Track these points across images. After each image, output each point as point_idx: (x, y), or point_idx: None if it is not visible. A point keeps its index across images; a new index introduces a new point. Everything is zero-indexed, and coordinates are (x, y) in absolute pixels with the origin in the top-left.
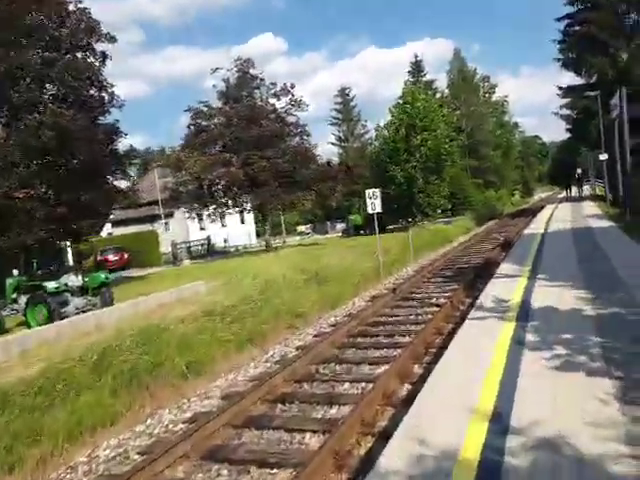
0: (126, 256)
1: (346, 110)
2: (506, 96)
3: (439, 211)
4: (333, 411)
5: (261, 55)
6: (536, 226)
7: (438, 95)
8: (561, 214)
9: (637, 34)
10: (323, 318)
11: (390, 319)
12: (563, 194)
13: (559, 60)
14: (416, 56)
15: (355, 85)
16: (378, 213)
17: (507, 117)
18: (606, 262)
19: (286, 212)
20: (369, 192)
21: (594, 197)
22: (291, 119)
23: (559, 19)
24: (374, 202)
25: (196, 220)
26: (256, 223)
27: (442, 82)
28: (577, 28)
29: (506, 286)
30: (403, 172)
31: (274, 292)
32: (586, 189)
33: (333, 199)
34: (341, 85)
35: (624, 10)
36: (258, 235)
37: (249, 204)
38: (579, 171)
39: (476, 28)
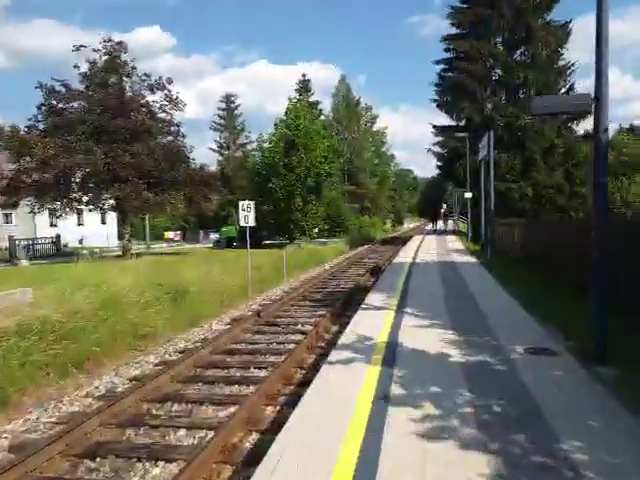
0: None
1: (230, 117)
2: (385, 128)
3: (316, 231)
4: (156, 471)
5: (145, 47)
6: (405, 255)
7: (322, 117)
8: (428, 246)
9: (499, 88)
10: (172, 342)
11: (248, 347)
12: (430, 226)
13: (435, 101)
14: (304, 75)
15: (243, 95)
16: (253, 227)
17: (385, 148)
18: (471, 300)
19: (153, 216)
20: (242, 204)
21: (457, 232)
22: (164, 116)
23: (437, 62)
24: (247, 215)
25: (46, 215)
26: (119, 224)
27: (327, 106)
28: (451, 74)
29: (373, 320)
30: (283, 188)
31: (119, 307)
32: (450, 223)
33: (205, 206)
34: (226, 92)
35: (491, 65)
36: (121, 238)
37: (107, 202)
38: (444, 206)
39: (364, 61)
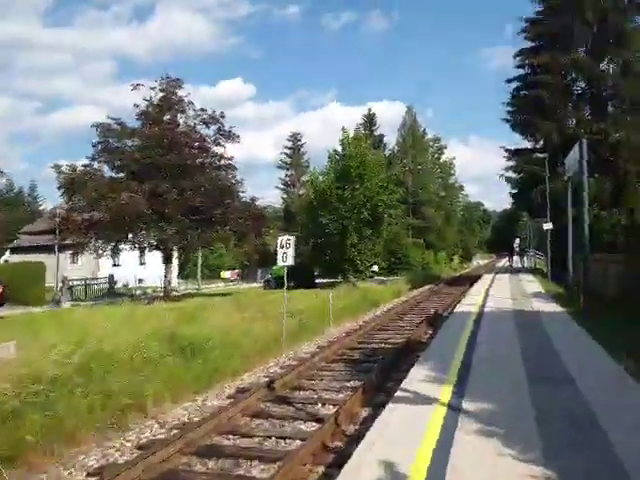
0: None
1: (295, 155)
2: (453, 158)
3: (375, 268)
4: None
5: (229, 98)
6: (471, 301)
7: (388, 152)
8: (500, 288)
9: (582, 102)
10: (158, 419)
11: (236, 442)
12: (501, 263)
13: (507, 121)
14: (369, 109)
15: (315, 137)
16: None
17: (453, 179)
18: (571, 387)
19: (213, 254)
20: (281, 239)
21: (532, 270)
22: (218, 150)
23: (509, 80)
24: (286, 252)
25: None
26: (165, 264)
27: (393, 141)
28: (526, 92)
29: (411, 424)
30: (335, 222)
31: (104, 368)
32: (525, 260)
33: (259, 243)
34: (292, 131)
35: (573, 77)
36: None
37: (151, 241)
38: (517, 240)
39: (431, 96)
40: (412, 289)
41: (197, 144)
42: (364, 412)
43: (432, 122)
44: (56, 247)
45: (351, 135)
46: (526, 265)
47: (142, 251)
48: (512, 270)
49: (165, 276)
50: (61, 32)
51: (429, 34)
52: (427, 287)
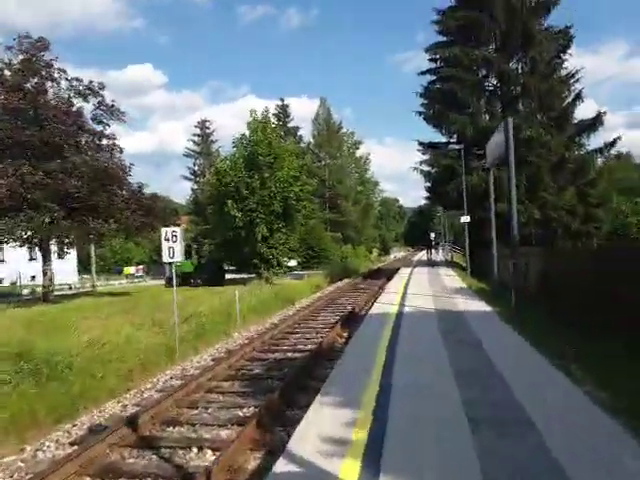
0: None
1: (204, 143)
2: (369, 154)
3: (293, 263)
4: None
5: (140, 85)
6: (389, 298)
7: (303, 145)
8: (419, 282)
9: (494, 98)
10: None
11: None
12: (417, 256)
13: (420, 114)
14: (282, 99)
15: (230, 128)
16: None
17: (369, 174)
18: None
19: (111, 245)
20: (165, 232)
21: (450, 264)
22: (96, 127)
23: (422, 73)
24: (172, 247)
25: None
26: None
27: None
28: (438, 86)
29: None
30: (242, 214)
31: None
32: (441, 253)
33: (147, 237)
34: (201, 118)
35: (485, 74)
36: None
37: (21, 233)
38: (432, 235)
39: (350, 96)
40: (330, 283)
41: (70, 119)
42: (252, 462)
43: (351, 121)
44: None
45: (258, 119)
46: (441, 258)
47: (22, 246)
48: (431, 263)
49: (44, 274)
50: None
51: (348, 32)
52: (345, 281)
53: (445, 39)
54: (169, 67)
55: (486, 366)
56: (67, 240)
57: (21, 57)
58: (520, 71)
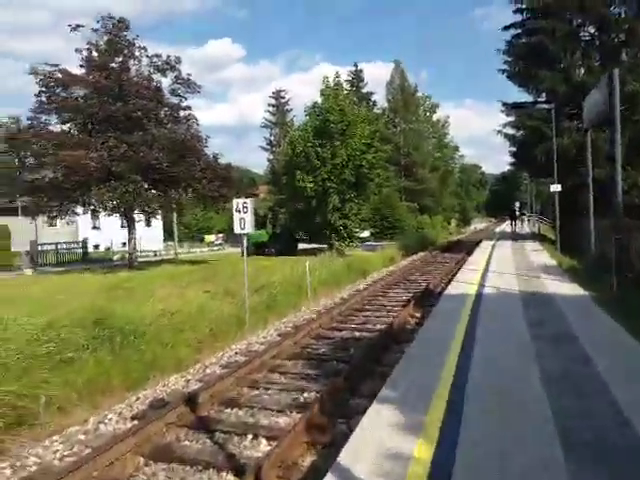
0: None
1: (280, 114)
2: (448, 117)
3: (366, 234)
4: None
5: (218, 59)
6: (468, 277)
7: (377, 110)
8: (502, 258)
9: (591, 50)
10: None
11: None
12: (500, 228)
13: (504, 72)
14: (356, 65)
15: (306, 98)
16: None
17: (448, 139)
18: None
19: (200, 215)
20: (237, 203)
21: (536, 237)
22: (175, 100)
23: (506, 27)
24: (243, 218)
25: (89, 216)
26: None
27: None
28: (524, 40)
29: None
30: (314, 184)
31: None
32: (526, 225)
33: (222, 207)
34: (276, 88)
35: (580, 23)
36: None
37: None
38: (517, 205)
39: (427, 57)
40: (405, 256)
41: (150, 94)
42: (308, 457)
43: (427, 85)
44: (19, 209)
45: (330, 86)
46: (527, 230)
47: (94, 213)
48: (515, 236)
49: (129, 241)
50: None
51: None
52: (421, 254)
53: None
54: (247, 40)
55: (579, 367)
56: (149, 209)
57: (105, 38)
58: (624, 15)
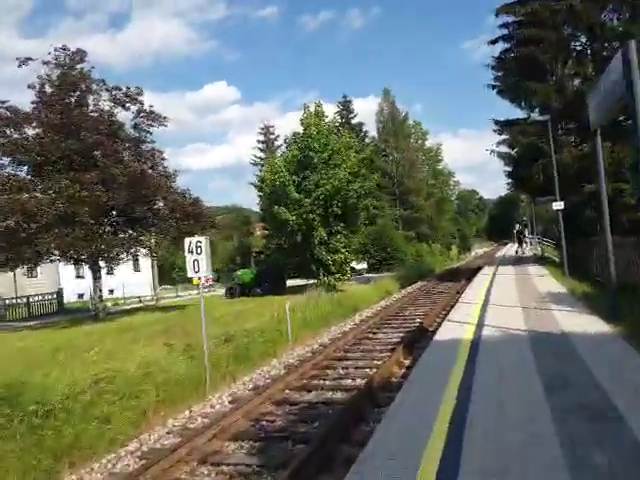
0: None
1: (269, 149)
2: (440, 144)
3: (362, 265)
4: None
5: (215, 102)
6: (464, 315)
7: (368, 140)
8: (504, 286)
9: (584, 59)
10: None
11: None
12: (501, 252)
13: (494, 87)
14: (345, 96)
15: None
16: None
17: (441, 166)
18: None
19: (154, 257)
20: (189, 242)
21: (539, 259)
22: (136, 134)
23: (493, 42)
24: (197, 260)
25: (71, 267)
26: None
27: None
28: (514, 54)
29: None
30: (296, 217)
31: None
32: (527, 247)
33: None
34: (264, 123)
35: (570, 32)
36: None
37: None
38: (517, 227)
39: (419, 89)
40: (401, 288)
41: (107, 128)
42: None
43: (421, 117)
44: None
45: (311, 113)
46: (527, 253)
47: (67, 264)
48: (517, 260)
49: (94, 291)
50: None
51: (411, 28)
52: (419, 284)
53: None
54: (241, 82)
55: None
56: (110, 255)
57: (57, 71)
58: (616, 21)
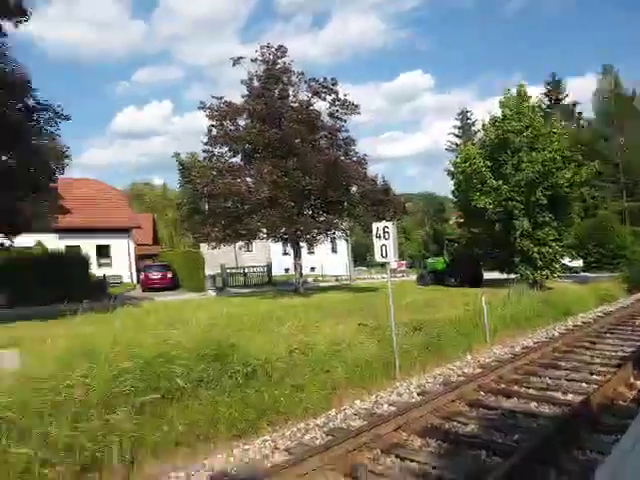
0: (169, 275)
1: (466, 135)
2: None
3: (577, 262)
4: None
5: (409, 90)
6: None
7: (583, 122)
8: None
9: None
10: None
11: None
12: None
13: None
14: (553, 75)
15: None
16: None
17: None
18: None
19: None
20: (376, 227)
21: None
22: (331, 123)
23: None
24: (385, 245)
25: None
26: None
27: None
28: None
29: None
30: (493, 205)
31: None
32: None
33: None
34: (461, 108)
35: None
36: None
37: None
38: None
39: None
40: (630, 293)
41: (307, 117)
42: None
43: None
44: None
45: (512, 95)
46: None
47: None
48: None
49: (295, 268)
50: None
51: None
52: None
53: None
54: (437, 70)
55: None
56: (308, 236)
57: (262, 67)
58: None
